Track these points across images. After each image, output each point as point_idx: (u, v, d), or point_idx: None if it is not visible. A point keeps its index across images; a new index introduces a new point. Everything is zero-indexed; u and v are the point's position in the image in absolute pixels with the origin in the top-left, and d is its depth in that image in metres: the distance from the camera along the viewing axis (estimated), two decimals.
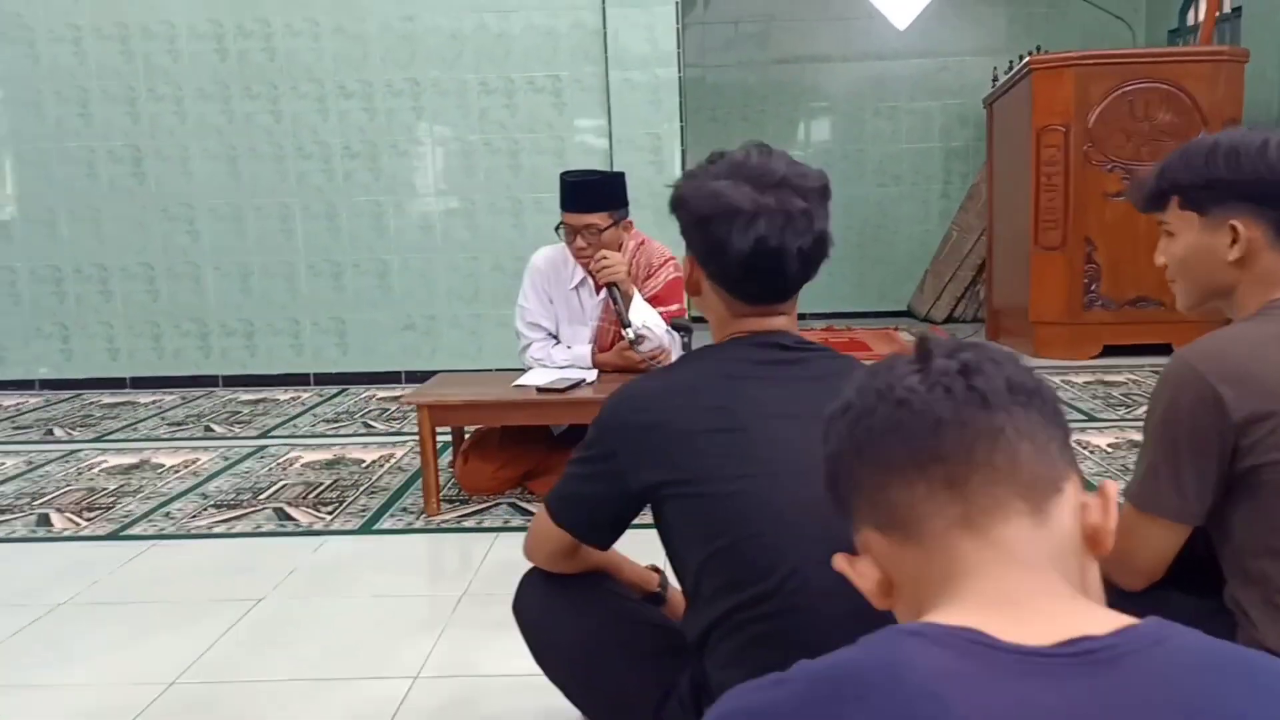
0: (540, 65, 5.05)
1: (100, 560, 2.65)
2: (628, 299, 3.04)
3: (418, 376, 5.18)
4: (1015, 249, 5.56)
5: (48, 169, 5.17)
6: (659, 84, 5.01)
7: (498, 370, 5.08)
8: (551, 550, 1.57)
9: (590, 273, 3.18)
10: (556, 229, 3.16)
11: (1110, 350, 5.23)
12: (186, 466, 3.61)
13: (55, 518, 3.03)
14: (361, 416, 4.42)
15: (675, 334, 3.20)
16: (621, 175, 3.15)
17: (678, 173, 5.04)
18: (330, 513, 3.02)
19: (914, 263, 7.42)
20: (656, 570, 1.79)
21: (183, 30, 5.06)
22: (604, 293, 3.21)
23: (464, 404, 2.96)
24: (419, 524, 2.91)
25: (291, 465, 3.59)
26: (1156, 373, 1.48)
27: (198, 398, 5.00)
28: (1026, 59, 5.17)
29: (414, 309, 5.25)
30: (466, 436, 3.32)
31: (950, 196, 7.37)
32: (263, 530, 2.88)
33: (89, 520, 3.00)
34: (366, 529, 2.87)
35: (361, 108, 5.11)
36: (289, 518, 2.99)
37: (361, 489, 3.27)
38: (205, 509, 3.09)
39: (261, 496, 3.20)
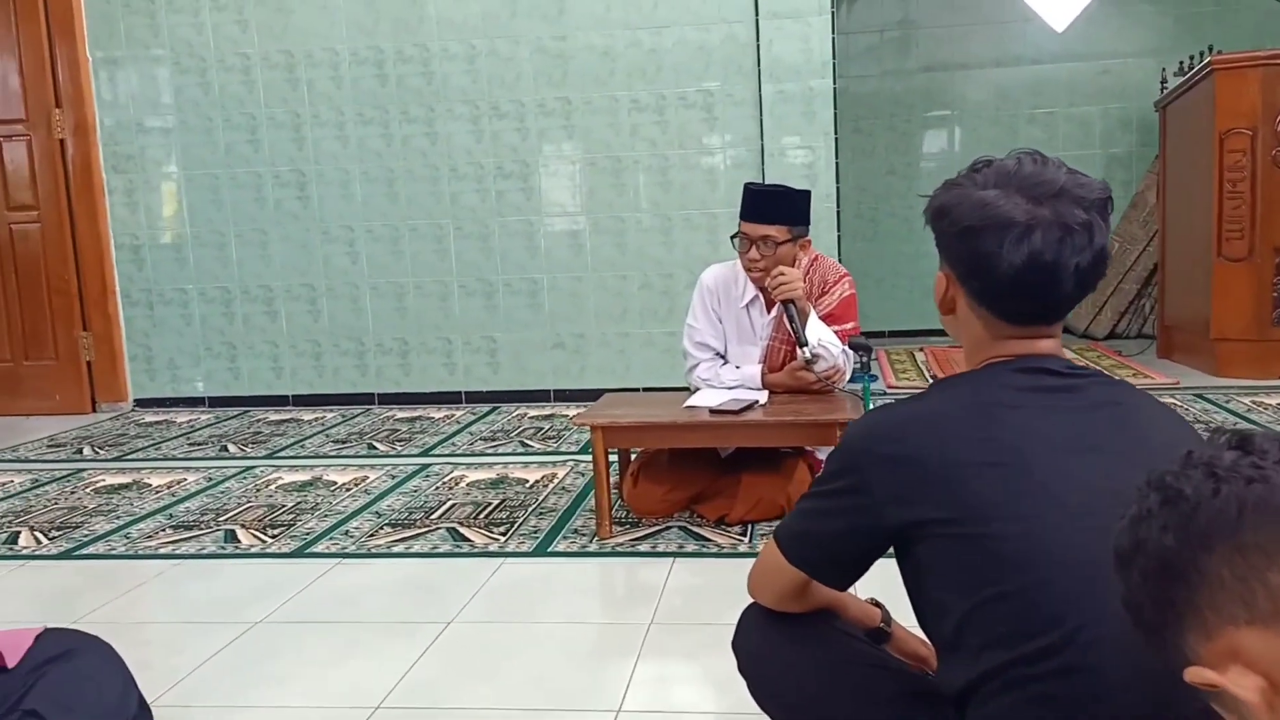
0: (692, 80, 5.01)
1: (290, 578, 2.69)
2: (804, 316, 2.96)
3: (566, 395, 5.21)
4: (1193, 261, 5.25)
5: (219, 194, 5.38)
6: (813, 95, 4.90)
7: (645, 389, 5.08)
8: (781, 589, 1.49)
9: (761, 288, 3.12)
10: (733, 238, 3.09)
11: None
12: (357, 484, 3.66)
13: (241, 534, 3.11)
14: (517, 435, 4.43)
15: (851, 354, 3.10)
16: (807, 193, 3.07)
17: (832, 187, 4.93)
18: (503, 533, 3.01)
19: None
20: (878, 605, 1.69)
21: (345, 56, 5.20)
22: (775, 310, 3.13)
23: (637, 425, 2.91)
24: (593, 547, 2.87)
25: (458, 484, 3.61)
26: None
27: (356, 415, 5.11)
28: (1209, 59, 4.87)
29: (563, 328, 5.26)
30: (633, 458, 3.27)
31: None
32: (440, 551, 2.89)
33: (273, 537, 3.06)
34: (541, 551, 2.85)
35: (514, 128, 5.16)
36: (463, 538, 2.99)
37: (530, 509, 3.25)
38: (380, 527, 3.12)
39: (434, 516, 3.21)
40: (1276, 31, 6.37)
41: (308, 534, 3.08)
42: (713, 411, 2.89)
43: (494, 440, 4.35)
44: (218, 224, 5.41)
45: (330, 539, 3.02)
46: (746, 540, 2.85)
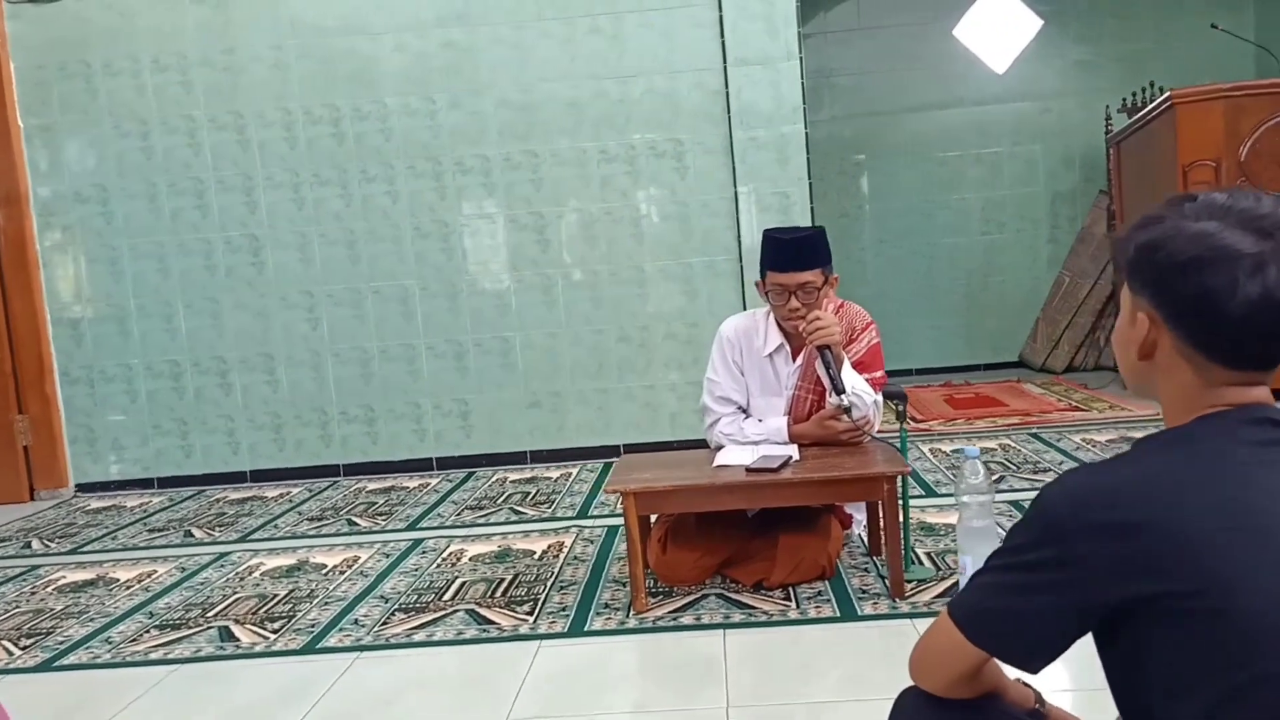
0: (661, 129, 4.92)
1: (310, 679, 2.44)
2: (839, 362, 2.84)
3: (544, 456, 5.01)
4: None
5: (165, 262, 5.09)
6: (785, 141, 4.85)
7: (626, 446, 4.90)
8: (957, 672, 1.33)
9: (787, 335, 3.00)
10: (763, 288, 2.96)
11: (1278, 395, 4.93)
12: (349, 566, 3.41)
13: (238, 631, 2.84)
14: (505, 502, 4.21)
15: (880, 402, 2.99)
16: (824, 230, 2.97)
17: None
18: (529, 613, 2.80)
19: (1025, 311, 7.18)
20: (1027, 685, 1.55)
21: (299, 115, 4.99)
22: (801, 359, 3.02)
23: (672, 489, 2.73)
24: (632, 622, 2.68)
25: (459, 560, 3.38)
26: None
27: (324, 488, 4.83)
28: (1168, 94, 4.95)
29: (539, 386, 5.07)
30: (652, 522, 3.09)
31: (1059, 241, 7.14)
32: (466, 637, 2.66)
33: (274, 632, 2.80)
34: (578, 631, 2.65)
35: (480, 183, 5.00)
36: (487, 621, 2.77)
37: (548, 584, 3.05)
38: (391, 613, 2.88)
39: (446, 598, 2.98)
40: (1212, 67, 6.58)
41: (313, 626, 2.83)
42: (749, 470, 2.74)
43: (482, 509, 4.12)
44: (165, 294, 5.11)
45: (341, 630, 2.78)
46: (794, 606, 2.69)
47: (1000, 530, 2.83)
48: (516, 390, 5.07)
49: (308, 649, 2.66)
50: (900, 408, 2.94)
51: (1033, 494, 3.57)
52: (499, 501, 4.24)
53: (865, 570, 2.95)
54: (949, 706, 1.40)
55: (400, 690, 2.36)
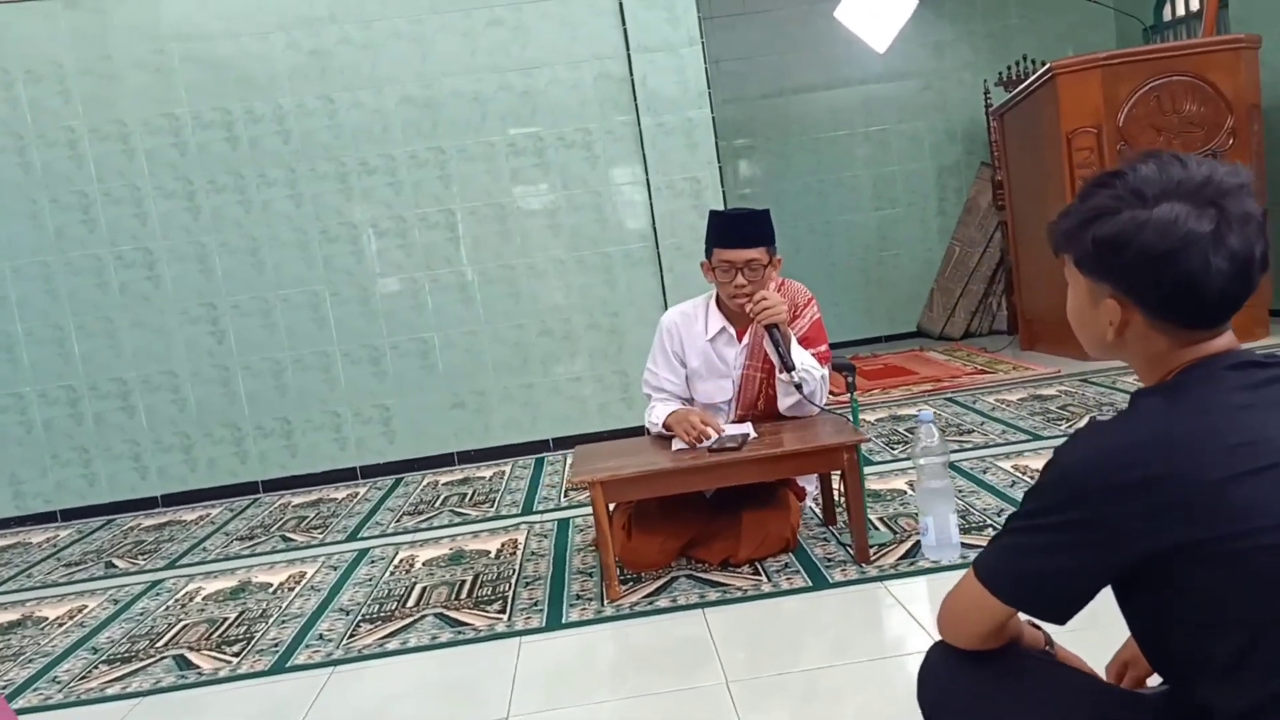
0: (569, 119, 4.90)
1: (287, 699, 2.36)
2: (787, 341, 2.88)
3: (472, 456, 4.95)
4: (1048, 254, 5.52)
5: (52, 283, 4.81)
6: (693, 126, 4.89)
7: (554, 440, 4.88)
8: (987, 629, 1.38)
9: (732, 316, 3.03)
10: (708, 266, 2.98)
11: None
12: (297, 582, 3.30)
13: (195, 658, 2.71)
14: (443, 505, 4.14)
15: (828, 376, 3.05)
16: (769, 211, 3.00)
17: None
18: (500, 611, 2.77)
19: (918, 283, 7.42)
20: (1036, 626, 1.61)
21: (187, 121, 4.79)
22: (747, 339, 3.05)
23: (641, 475, 2.73)
24: (608, 610, 2.67)
25: (413, 566, 3.31)
26: None
27: (245, 507, 4.66)
28: (1049, 65, 5.18)
29: (461, 386, 4.99)
30: (612, 511, 3.08)
31: (947, 213, 7.40)
32: (442, 641, 2.61)
33: (236, 655, 2.69)
34: (556, 624, 2.62)
35: (386, 183, 4.88)
36: (459, 623, 2.72)
37: (512, 582, 3.01)
38: (356, 625, 2.80)
39: (411, 604, 2.92)
40: (1075, 37, 6.93)
41: (275, 646, 2.73)
42: (712, 451, 2.76)
43: (421, 514, 4.04)
44: (54, 317, 4.83)
45: (308, 647, 2.69)
46: (765, 579, 2.73)
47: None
48: (438, 392, 4.98)
49: (277, 669, 2.56)
50: (850, 379, 3.00)
51: (966, 454, 3.72)
52: (436, 505, 4.17)
53: (824, 540, 3.00)
54: (977, 655, 1.44)
55: (388, 700, 2.30)
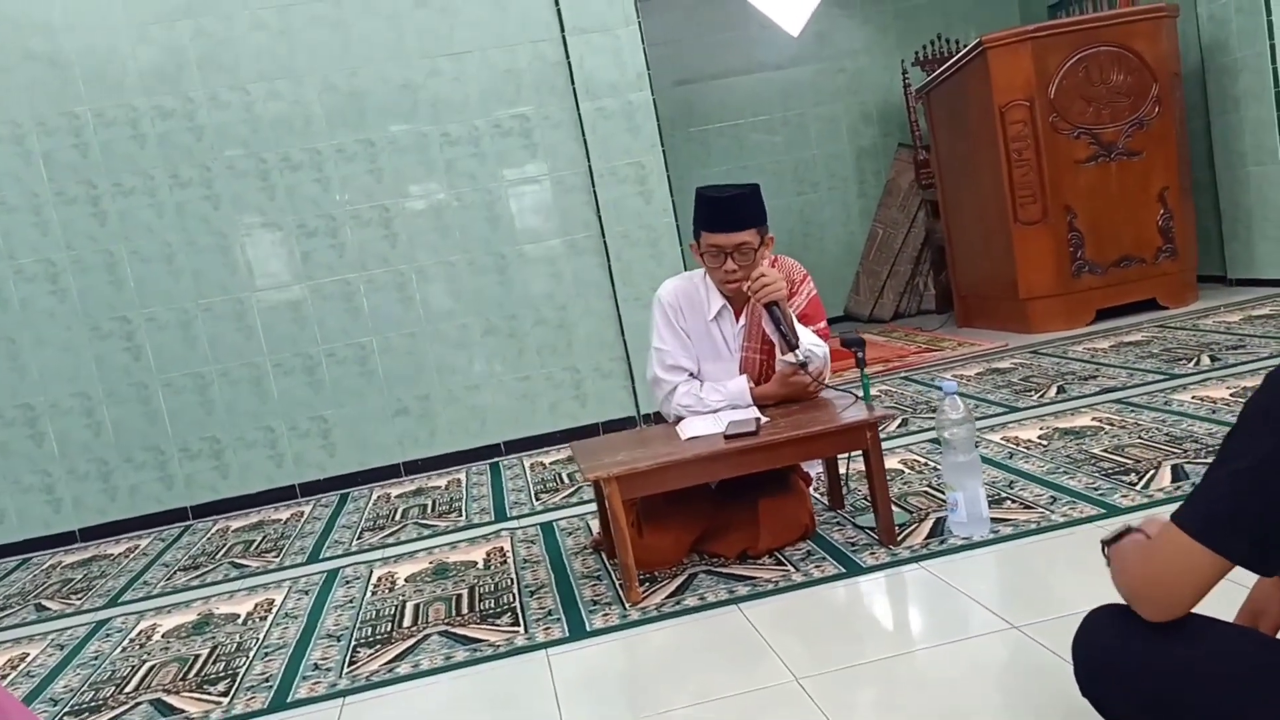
0: (504, 106, 4.68)
1: None
2: (789, 319, 2.75)
3: (419, 466, 4.69)
4: (985, 231, 5.59)
5: None
6: (633, 109, 4.73)
7: (506, 443, 4.66)
8: (1195, 590, 1.26)
9: (729, 297, 2.88)
10: (697, 250, 2.82)
11: (1100, 314, 5.28)
12: (267, 610, 3.01)
13: (176, 701, 2.42)
14: (406, 519, 3.88)
15: (829, 353, 2.93)
16: (759, 187, 2.85)
17: (667, 201, 4.77)
18: (513, 624, 2.55)
19: (843, 266, 7.42)
20: None
21: (88, 119, 4.39)
22: (744, 318, 2.91)
23: (659, 467, 2.55)
24: (634, 614, 2.49)
25: (395, 584, 3.06)
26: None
27: (178, 535, 4.30)
28: (978, 39, 5.20)
29: (404, 392, 4.72)
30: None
31: (868, 195, 7.42)
32: (458, 661, 2.38)
33: (225, 695, 2.41)
34: (580, 633, 2.43)
35: (313, 179, 4.57)
36: (471, 639, 2.50)
37: (515, 592, 2.80)
38: (352, 650, 2.55)
39: (408, 625, 2.68)
40: (981, 13, 7.02)
41: (267, 681, 2.46)
42: (727, 438, 2.60)
43: (382, 529, 3.77)
44: None
45: (305, 679, 2.42)
46: (793, 570, 2.58)
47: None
48: (379, 399, 4.70)
49: (278, 705, 2.30)
50: (860, 354, 2.89)
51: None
52: (397, 518, 3.90)
53: (839, 525, 2.88)
54: (1186, 631, 1.33)
55: None
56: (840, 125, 7.37)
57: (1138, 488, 2.71)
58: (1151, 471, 2.81)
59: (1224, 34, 5.31)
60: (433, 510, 3.93)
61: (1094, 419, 3.48)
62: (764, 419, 2.72)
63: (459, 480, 4.39)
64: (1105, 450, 3.09)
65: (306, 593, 3.12)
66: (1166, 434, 3.13)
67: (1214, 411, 3.28)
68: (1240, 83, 5.24)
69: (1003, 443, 3.40)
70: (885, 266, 7.16)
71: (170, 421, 4.54)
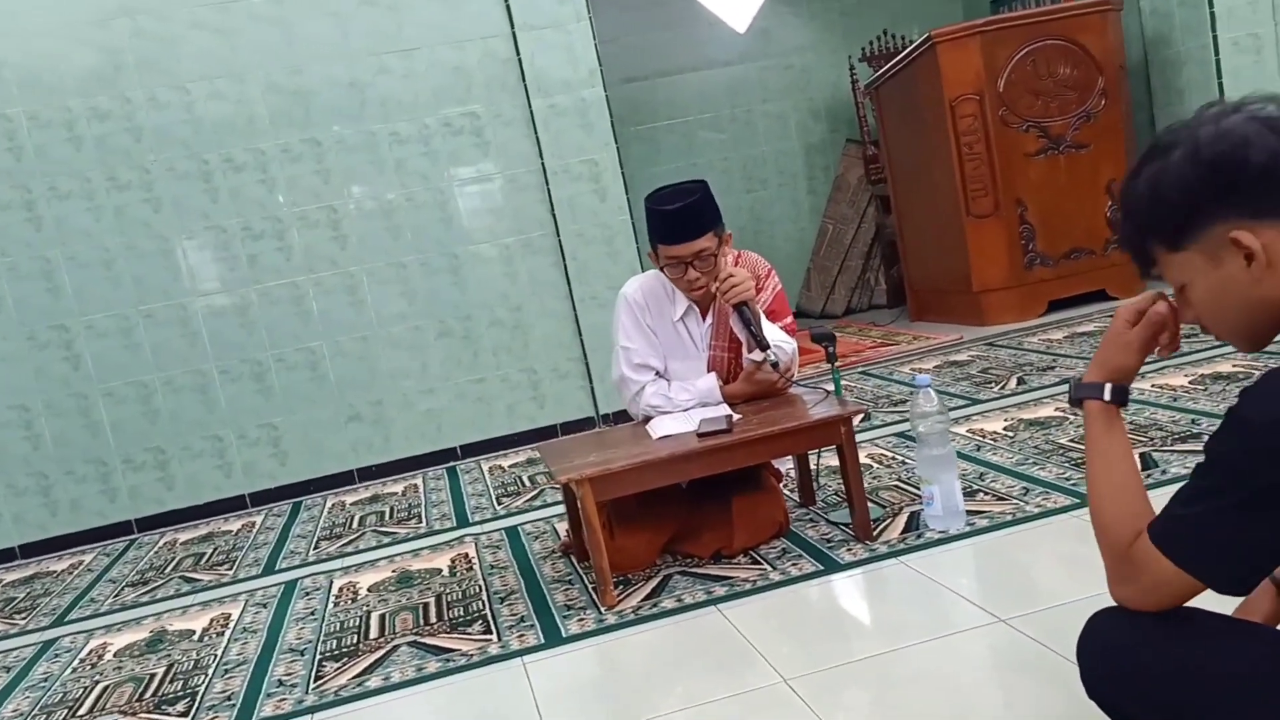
0: (455, 104, 4.59)
1: None
2: (758, 318, 2.71)
3: (373, 472, 4.59)
4: (941, 224, 5.61)
5: None
6: (587, 106, 4.67)
7: (463, 447, 4.58)
8: (1175, 602, 1.26)
9: (695, 301, 2.83)
10: (658, 260, 2.77)
11: (1051, 305, 5.34)
12: (224, 625, 2.90)
13: None
14: (363, 527, 3.78)
15: (797, 349, 2.89)
16: (706, 184, 2.79)
17: (622, 198, 4.72)
18: (484, 632, 2.48)
19: (794, 263, 7.42)
20: None
21: (20, 122, 4.22)
22: (711, 317, 2.86)
23: (632, 467, 2.49)
24: (610, 618, 2.43)
25: (358, 595, 2.97)
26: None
27: (123, 550, 4.14)
28: (927, 34, 5.22)
29: (356, 397, 4.60)
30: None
31: (817, 192, 7.44)
32: (430, 673, 2.30)
33: (184, 715, 2.30)
34: (556, 640, 2.36)
35: (257, 180, 4.44)
36: (441, 649, 2.42)
37: (484, 599, 2.72)
38: (318, 664, 2.46)
39: (374, 636, 2.59)
40: (933, 11, 7.07)
41: (229, 699, 2.36)
42: (700, 436, 2.56)
43: (340, 538, 3.67)
44: None
45: (270, 696, 2.33)
46: (770, 568, 2.55)
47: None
48: (331, 405, 4.58)
49: None
50: (830, 349, 2.86)
51: (902, 425, 3.65)
52: (354, 526, 3.80)
53: (811, 521, 2.85)
54: (1183, 622, 1.32)
55: None
56: (789, 122, 7.38)
57: None
58: None
59: (1167, 27, 5.40)
60: (391, 517, 3.83)
61: (1057, 409, 3.50)
62: (736, 416, 2.68)
63: (416, 485, 4.30)
64: (1072, 440, 3.10)
65: (264, 606, 3.02)
66: (1130, 423, 3.15)
67: (1175, 399, 3.31)
68: (1184, 75, 5.33)
69: (969, 435, 3.40)
70: (836, 262, 7.18)
71: (112, 432, 4.38)
